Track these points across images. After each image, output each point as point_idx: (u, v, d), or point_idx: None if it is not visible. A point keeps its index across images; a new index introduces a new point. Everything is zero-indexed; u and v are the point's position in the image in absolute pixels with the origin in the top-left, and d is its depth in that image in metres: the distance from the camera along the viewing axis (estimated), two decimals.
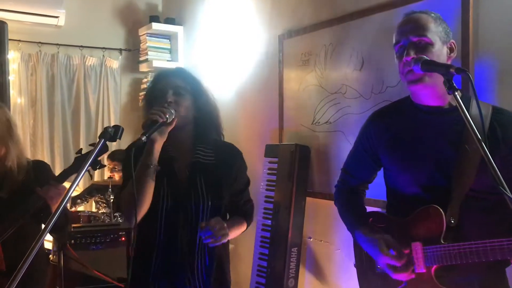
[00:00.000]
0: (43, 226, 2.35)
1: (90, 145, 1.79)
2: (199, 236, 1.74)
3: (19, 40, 4.01)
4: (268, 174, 3.09)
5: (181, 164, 1.82)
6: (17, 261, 2.13)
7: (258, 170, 3.23)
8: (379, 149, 1.76)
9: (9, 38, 3.83)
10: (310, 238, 2.99)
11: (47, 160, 4.13)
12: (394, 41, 1.65)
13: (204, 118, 1.85)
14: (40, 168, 2.26)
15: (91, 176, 3.56)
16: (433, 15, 1.61)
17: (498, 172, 1.24)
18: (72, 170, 1.95)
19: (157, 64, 4.29)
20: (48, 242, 3.25)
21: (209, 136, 1.87)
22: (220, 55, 3.87)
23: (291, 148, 2.94)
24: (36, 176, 2.19)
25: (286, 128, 3.16)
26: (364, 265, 1.80)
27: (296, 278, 2.87)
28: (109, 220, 3.34)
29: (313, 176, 2.96)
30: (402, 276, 1.58)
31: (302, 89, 3.01)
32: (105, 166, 1.90)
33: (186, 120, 1.80)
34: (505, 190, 1.22)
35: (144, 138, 1.53)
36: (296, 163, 2.91)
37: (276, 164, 3.04)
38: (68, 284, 2.81)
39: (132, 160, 1.51)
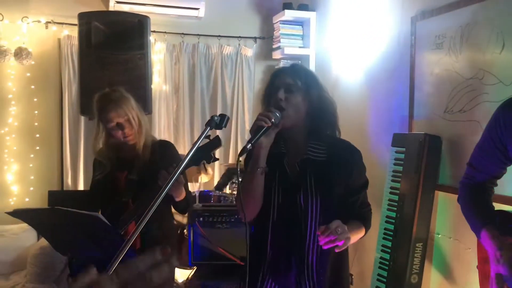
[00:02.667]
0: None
1: (206, 137, 1.88)
2: (311, 234, 1.74)
3: (165, 32, 4.35)
4: (395, 164, 2.95)
5: (292, 160, 1.82)
6: (151, 239, 2.37)
7: (384, 160, 3.11)
8: (508, 140, 1.58)
9: (157, 30, 4.22)
10: (439, 234, 2.79)
11: (187, 142, 4.47)
12: None
13: (317, 113, 1.81)
14: (165, 148, 2.47)
15: (205, 170, 3.72)
16: None
17: None
18: (190, 163, 2.07)
19: (288, 51, 4.32)
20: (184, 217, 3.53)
21: (322, 132, 1.83)
22: (350, 39, 3.77)
23: (420, 138, 2.77)
24: (162, 155, 2.40)
25: (416, 117, 2.98)
26: (487, 268, 1.64)
27: (420, 274, 2.72)
28: None
29: (445, 168, 2.74)
30: None
31: (435, 74, 2.80)
32: (217, 159, 1.99)
33: (298, 117, 1.79)
34: None
35: (249, 146, 1.63)
36: (425, 154, 2.73)
37: (404, 154, 2.89)
38: (197, 258, 3.04)
39: (238, 167, 1.63)
